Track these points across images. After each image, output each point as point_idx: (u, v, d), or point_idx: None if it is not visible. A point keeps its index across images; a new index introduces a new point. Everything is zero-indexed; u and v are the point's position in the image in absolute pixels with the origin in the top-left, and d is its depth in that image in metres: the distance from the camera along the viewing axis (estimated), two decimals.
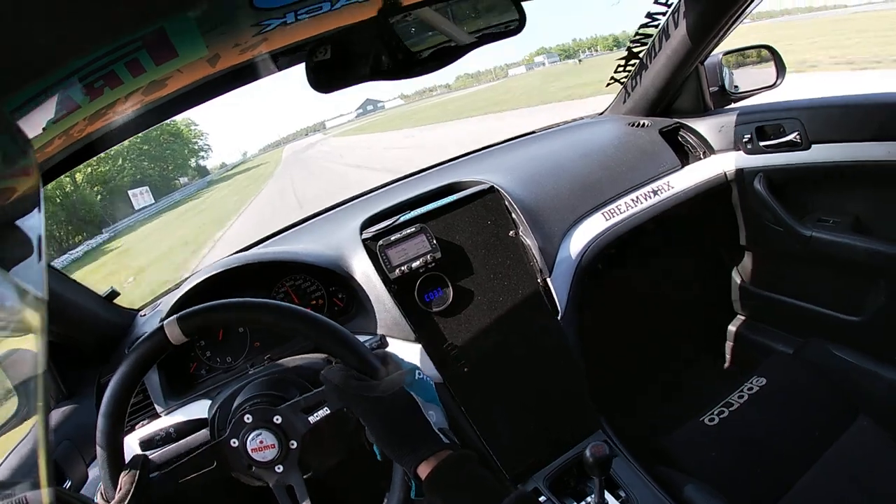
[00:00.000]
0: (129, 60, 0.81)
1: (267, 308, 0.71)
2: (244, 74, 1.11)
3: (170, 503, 0.70)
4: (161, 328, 0.69)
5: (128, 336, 1.19)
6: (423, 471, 0.59)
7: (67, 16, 0.59)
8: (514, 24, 0.98)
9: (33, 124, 0.71)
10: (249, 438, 0.71)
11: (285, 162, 39.49)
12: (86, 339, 1.12)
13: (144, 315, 1.27)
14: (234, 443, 0.72)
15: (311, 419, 0.71)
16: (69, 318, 1.06)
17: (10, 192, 0.29)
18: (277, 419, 0.71)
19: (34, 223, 0.29)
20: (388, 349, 0.98)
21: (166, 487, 0.69)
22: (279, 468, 0.72)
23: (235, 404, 0.79)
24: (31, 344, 0.28)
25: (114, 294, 1.24)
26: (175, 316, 0.69)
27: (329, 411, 0.70)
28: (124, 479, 0.66)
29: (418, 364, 1.09)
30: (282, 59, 1.13)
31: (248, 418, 0.72)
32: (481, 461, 1.10)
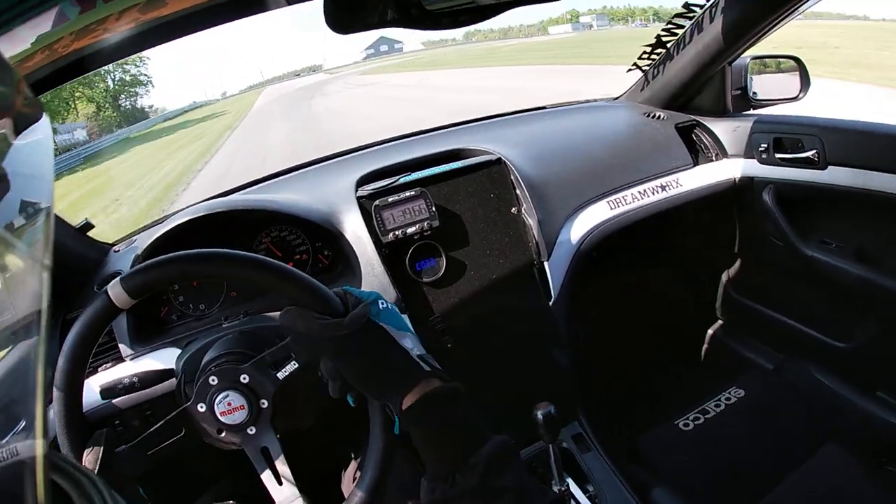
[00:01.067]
0: None
1: (215, 258, 0.64)
2: (253, 2, 1.03)
3: (141, 477, 0.66)
4: (105, 292, 0.62)
5: (99, 271, 1.12)
6: (408, 402, 0.55)
7: None
8: None
9: (19, 38, 0.64)
10: (217, 401, 0.66)
11: (257, 112, 28.69)
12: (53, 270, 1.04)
13: (118, 251, 1.19)
14: (202, 407, 0.66)
15: (280, 375, 0.66)
16: None
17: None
18: (244, 378, 0.66)
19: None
20: None
21: (136, 462, 0.65)
22: (251, 430, 0.67)
23: (204, 361, 0.74)
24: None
25: (87, 226, 1.16)
26: (118, 278, 0.63)
27: (297, 365, 0.65)
28: (88, 457, 0.61)
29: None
30: None
31: (213, 380, 0.67)
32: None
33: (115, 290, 0.61)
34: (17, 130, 0.27)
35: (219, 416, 0.66)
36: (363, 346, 0.58)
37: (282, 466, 0.68)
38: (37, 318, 0.27)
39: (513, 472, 0.52)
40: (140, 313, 1.01)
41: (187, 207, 1.10)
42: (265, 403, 0.67)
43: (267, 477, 0.67)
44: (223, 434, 0.68)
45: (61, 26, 0.71)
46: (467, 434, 0.56)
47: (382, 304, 0.61)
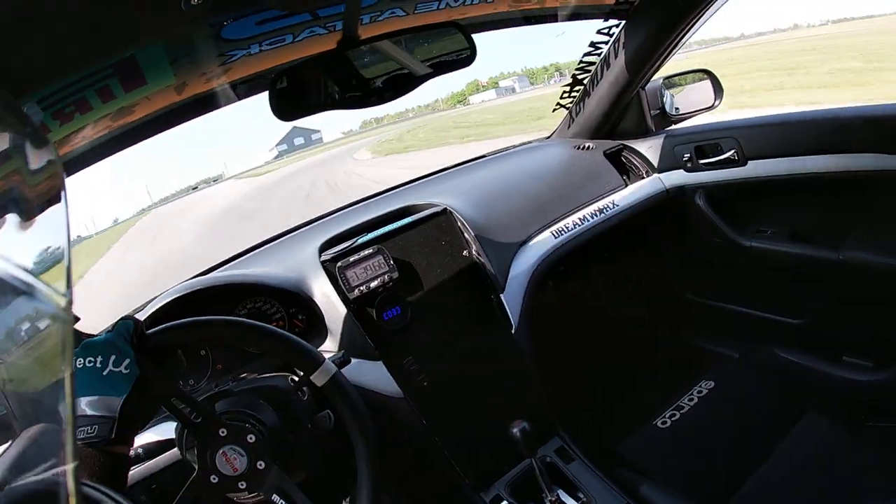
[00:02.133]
0: (100, 87, 0.85)
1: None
2: (208, 102, 1.15)
3: None
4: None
5: None
6: None
7: (45, 43, 0.63)
8: (466, 54, 1.05)
9: None
10: (218, 455, 0.73)
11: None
12: None
13: None
14: (215, 478, 0.73)
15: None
16: None
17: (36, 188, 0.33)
18: (251, 438, 0.74)
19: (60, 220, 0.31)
20: (350, 365, 1.02)
21: None
22: (260, 464, 0.74)
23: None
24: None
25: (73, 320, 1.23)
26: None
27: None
28: None
29: (380, 380, 1.13)
30: (242, 88, 1.17)
31: (222, 432, 0.74)
32: (443, 469, 1.15)
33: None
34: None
35: (222, 470, 0.72)
36: None
37: (300, 497, 0.74)
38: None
39: None
40: None
41: (166, 291, 1.19)
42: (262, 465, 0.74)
43: None
44: (241, 485, 0.73)
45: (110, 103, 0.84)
46: None
47: None
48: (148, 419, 0.76)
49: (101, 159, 1.10)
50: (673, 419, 1.47)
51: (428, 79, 1.06)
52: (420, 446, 1.17)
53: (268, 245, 1.45)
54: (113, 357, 0.65)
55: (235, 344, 1.10)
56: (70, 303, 0.29)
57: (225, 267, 1.40)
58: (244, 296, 1.21)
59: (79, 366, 0.64)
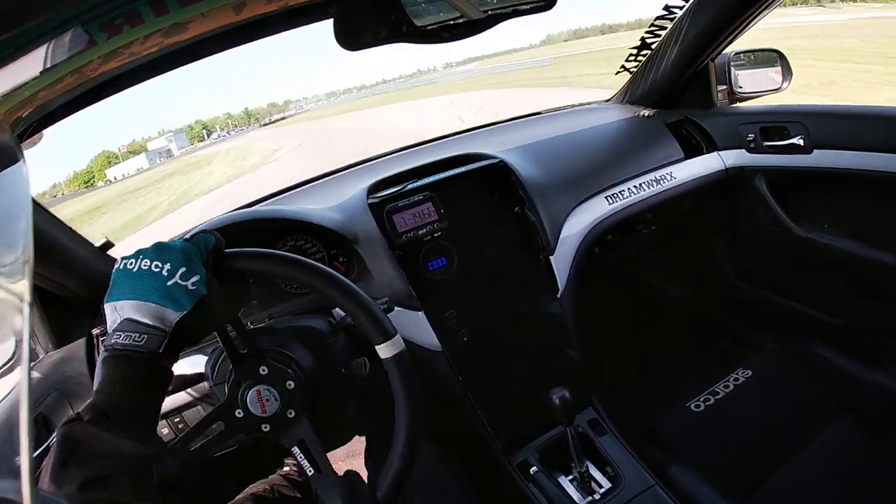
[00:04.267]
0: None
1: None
2: (268, 25, 1.09)
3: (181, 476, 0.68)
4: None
5: None
6: None
7: None
8: (543, 3, 0.98)
9: (44, 59, 0.70)
10: (249, 395, 0.70)
11: None
12: (76, 287, 1.10)
13: None
14: (240, 413, 0.70)
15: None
16: (57, 260, 1.04)
17: None
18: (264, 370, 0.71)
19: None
20: (391, 314, 0.99)
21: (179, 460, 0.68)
22: (290, 413, 0.71)
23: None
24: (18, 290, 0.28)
25: (108, 245, 1.22)
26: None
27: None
28: None
29: (419, 331, 1.11)
30: (309, 13, 1.11)
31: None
32: (474, 427, 1.13)
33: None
34: None
35: (250, 408, 0.69)
36: None
37: (319, 454, 0.71)
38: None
39: None
40: None
41: (209, 220, 1.16)
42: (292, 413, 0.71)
43: (306, 466, 0.70)
44: (264, 427, 0.70)
45: (90, 50, 0.78)
46: None
47: None
48: (197, 343, 0.73)
49: (149, 78, 1.06)
50: (707, 404, 1.44)
51: (502, 21, 1.00)
52: (453, 402, 1.15)
53: (315, 182, 1.41)
54: (183, 269, 0.60)
55: (308, 289, 1.07)
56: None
57: (264, 203, 1.37)
58: (286, 232, 1.18)
59: (144, 267, 0.59)
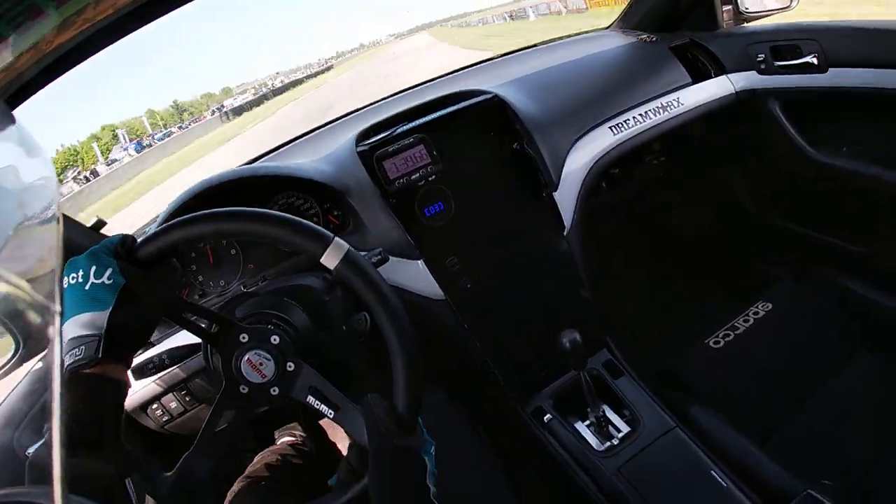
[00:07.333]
0: None
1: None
2: None
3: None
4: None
5: None
6: None
7: None
8: None
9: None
10: (243, 361, 0.66)
11: None
12: None
13: None
14: (244, 388, 0.67)
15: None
16: None
17: None
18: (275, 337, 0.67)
19: None
20: (387, 264, 0.93)
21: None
22: (290, 366, 0.67)
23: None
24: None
25: (100, 223, 1.18)
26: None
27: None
28: None
29: (420, 280, 1.06)
30: None
31: (243, 337, 0.67)
32: (484, 376, 1.09)
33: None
34: None
35: (249, 378, 0.66)
36: (404, 465, 0.64)
37: (332, 393, 0.67)
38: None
39: None
40: None
41: (193, 185, 1.10)
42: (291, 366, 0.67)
43: (325, 409, 0.67)
44: (273, 391, 0.67)
45: (42, 23, 0.71)
46: None
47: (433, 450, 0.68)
48: (144, 334, 0.70)
49: (110, 43, 0.98)
50: (727, 339, 1.40)
51: None
52: (461, 352, 1.11)
53: (301, 139, 1.35)
54: (94, 268, 0.61)
55: (223, 237, 1.02)
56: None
57: (264, 159, 1.31)
58: (276, 190, 1.12)
59: (66, 285, 0.60)
